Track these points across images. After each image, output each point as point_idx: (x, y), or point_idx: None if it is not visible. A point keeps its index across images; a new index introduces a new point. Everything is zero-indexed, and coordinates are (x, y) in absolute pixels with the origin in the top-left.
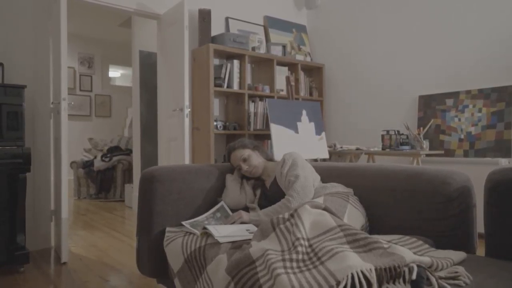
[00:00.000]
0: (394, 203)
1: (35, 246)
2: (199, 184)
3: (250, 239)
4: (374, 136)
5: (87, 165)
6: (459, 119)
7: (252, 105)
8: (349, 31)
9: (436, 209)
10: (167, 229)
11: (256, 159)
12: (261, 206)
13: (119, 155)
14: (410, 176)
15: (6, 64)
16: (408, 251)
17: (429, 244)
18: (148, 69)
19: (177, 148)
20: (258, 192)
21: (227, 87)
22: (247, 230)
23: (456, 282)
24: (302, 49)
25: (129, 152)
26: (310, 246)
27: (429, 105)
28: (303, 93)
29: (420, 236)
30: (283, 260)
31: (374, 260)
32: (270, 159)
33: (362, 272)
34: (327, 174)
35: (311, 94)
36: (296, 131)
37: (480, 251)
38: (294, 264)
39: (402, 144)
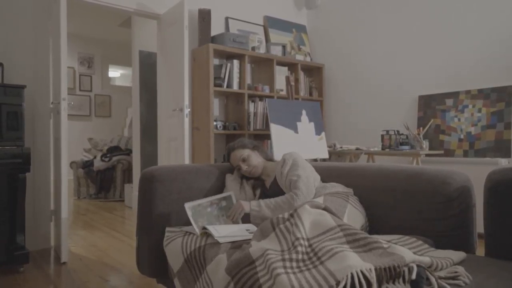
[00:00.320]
0: (394, 203)
1: (35, 246)
2: (199, 184)
3: (250, 239)
4: (374, 136)
5: (87, 165)
6: (459, 119)
7: (252, 105)
8: (349, 31)
9: (436, 209)
10: (167, 229)
11: (256, 159)
12: None
13: (119, 155)
14: (410, 176)
15: (6, 64)
16: (408, 251)
17: (429, 244)
18: (148, 69)
19: (177, 148)
20: (258, 192)
21: (227, 87)
22: (247, 230)
23: (455, 282)
24: (302, 49)
25: (129, 152)
26: (310, 246)
27: (429, 105)
28: (303, 93)
29: (419, 236)
30: (283, 260)
31: (374, 260)
32: (269, 159)
33: (362, 272)
34: (327, 174)
35: (311, 94)
36: (296, 131)
37: (480, 251)
38: (294, 264)
39: (402, 144)
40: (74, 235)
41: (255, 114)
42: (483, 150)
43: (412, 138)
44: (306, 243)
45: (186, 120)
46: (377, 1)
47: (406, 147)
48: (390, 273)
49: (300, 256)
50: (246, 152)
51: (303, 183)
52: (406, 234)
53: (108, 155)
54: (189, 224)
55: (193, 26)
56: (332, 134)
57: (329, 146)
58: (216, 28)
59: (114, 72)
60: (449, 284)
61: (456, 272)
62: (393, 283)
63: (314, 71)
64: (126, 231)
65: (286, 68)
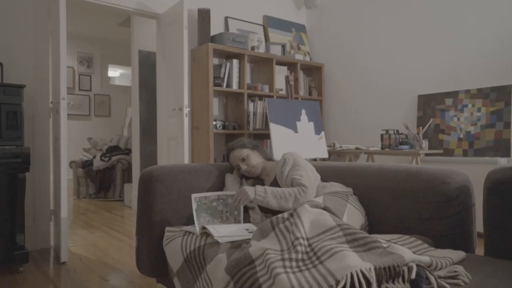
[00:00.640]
0: (393, 203)
1: (35, 245)
2: (199, 184)
3: (249, 239)
4: (373, 135)
5: (87, 164)
6: (459, 119)
7: (251, 105)
8: (349, 30)
9: (436, 209)
10: (167, 228)
11: (255, 159)
12: (261, 206)
13: (119, 155)
14: (409, 176)
15: (5, 63)
16: (407, 251)
17: (428, 243)
18: (147, 69)
19: (177, 147)
20: None
21: (227, 86)
22: (246, 229)
23: (455, 281)
24: (302, 49)
25: (128, 151)
26: (310, 245)
27: (429, 104)
28: (302, 92)
29: (419, 236)
30: (283, 259)
31: (374, 260)
32: (269, 158)
33: (361, 271)
34: (326, 174)
35: (310, 93)
36: (296, 130)
37: (479, 250)
38: (294, 264)
39: (401, 143)
40: (74, 234)
41: (254, 113)
42: (483, 150)
43: (411, 137)
44: (306, 243)
45: (186, 120)
46: (377, 1)
47: (406, 147)
48: (389, 273)
49: (299, 256)
50: (245, 152)
51: (307, 182)
52: (406, 234)
53: (107, 155)
54: (189, 223)
55: (192, 25)
56: (332, 134)
57: (328, 146)
58: (216, 28)
59: (114, 72)
60: (448, 283)
61: (455, 271)
62: (393, 282)
63: (313, 71)
64: (125, 231)
65: (285, 68)
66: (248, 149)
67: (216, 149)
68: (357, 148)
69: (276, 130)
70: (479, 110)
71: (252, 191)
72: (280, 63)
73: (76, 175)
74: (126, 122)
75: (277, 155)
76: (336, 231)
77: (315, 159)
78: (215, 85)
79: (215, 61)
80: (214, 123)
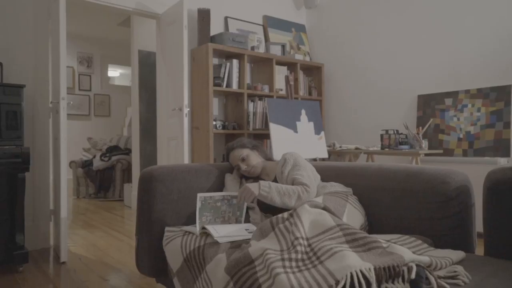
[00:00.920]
0: (393, 203)
1: (34, 245)
2: (199, 184)
3: (249, 239)
4: (373, 135)
5: (86, 164)
6: (458, 119)
7: (251, 105)
8: (349, 30)
9: (435, 209)
10: (166, 228)
11: (255, 159)
12: (260, 206)
13: (118, 155)
14: (409, 176)
15: (5, 63)
16: (407, 251)
17: (428, 243)
18: (147, 69)
19: (177, 147)
20: None
21: (226, 86)
22: (246, 229)
23: (455, 281)
24: (302, 49)
25: (128, 151)
26: (309, 245)
27: (428, 104)
28: (302, 92)
29: (419, 236)
30: (282, 259)
31: (373, 260)
32: (269, 158)
33: (361, 271)
34: (326, 174)
35: (310, 93)
36: (296, 130)
37: (479, 250)
38: (293, 264)
39: (401, 143)
40: (74, 234)
41: (254, 113)
42: (483, 150)
43: (411, 137)
44: (306, 243)
45: (186, 120)
46: (377, 1)
47: (406, 147)
48: (389, 273)
49: (299, 256)
50: (245, 152)
51: (308, 182)
52: (405, 234)
53: (107, 155)
54: (189, 223)
55: (192, 25)
56: (332, 134)
57: (328, 146)
58: (216, 28)
59: (114, 72)
60: (448, 283)
61: (455, 271)
62: (393, 282)
63: (313, 71)
64: (125, 231)
65: (285, 68)
66: (248, 149)
67: (216, 149)
68: (357, 148)
69: (276, 130)
70: (479, 110)
71: (256, 187)
72: (280, 63)
73: (76, 175)
74: (126, 122)
75: (277, 155)
76: (336, 231)
77: (315, 159)
78: (215, 85)
79: (215, 61)
80: (214, 123)
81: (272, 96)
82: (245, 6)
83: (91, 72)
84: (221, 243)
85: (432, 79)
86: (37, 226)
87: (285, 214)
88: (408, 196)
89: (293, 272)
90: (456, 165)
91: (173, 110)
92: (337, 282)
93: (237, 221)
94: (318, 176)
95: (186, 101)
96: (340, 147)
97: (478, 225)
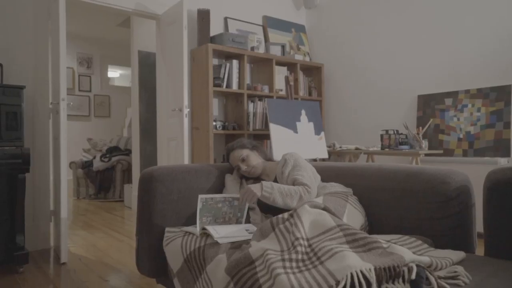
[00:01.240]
0: (393, 203)
1: (35, 246)
2: (199, 184)
3: (249, 239)
4: (373, 135)
5: (87, 165)
6: (458, 119)
7: (251, 105)
8: (348, 30)
9: (435, 209)
10: (167, 229)
11: (255, 159)
12: (261, 206)
13: (118, 155)
14: (409, 176)
15: (5, 64)
16: (407, 251)
17: (428, 243)
18: (147, 69)
19: (177, 148)
20: None
21: (226, 87)
22: (246, 230)
23: (455, 281)
24: (301, 49)
25: (128, 152)
26: (310, 246)
27: (428, 104)
28: (302, 93)
29: (419, 236)
30: (283, 260)
31: (374, 260)
32: (269, 159)
33: (361, 271)
34: (326, 174)
35: (310, 94)
36: (296, 131)
37: (480, 250)
38: (294, 264)
39: (401, 143)
40: (74, 235)
41: (254, 114)
42: (483, 150)
43: (411, 137)
44: (306, 243)
45: (186, 120)
46: (377, 1)
47: (406, 147)
48: (389, 273)
49: (299, 256)
50: (245, 152)
51: (309, 182)
52: (406, 234)
53: (107, 155)
54: (189, 223)
55: (192, 26)
56: (332, 134)
57: (328, 146)
58: (215, 28)
59: (113, 72)
60: (448, 283)
61: (455, 271)
62: (393, 283)
63: (313, 71)
64: (125, 231)
65: (285, 68)
66: (248, 150)
67: (216, 149)
68: (357, 149)
69: (276, 131)
70: (479, 110)
71: (258, 188)
72: (280, 64)
73: (76, 175)
74: (126, 123)
75: (277, 155)
76: (336, 232)
77: (315, 160)
78: (215, 85)
79: (215, 61)
80: (214, 123)
81: (272, 97)
82: (245, 7)
83: (91, 72)
84: (221, 243)
85: (432, 79)
86: (37, 226)
87: (285, 215)
88: (408, 196)
89: (294, 273)
90: (456, 165)
91: (173, 110)
92: (338, 283)
93: (238, 222)
94: (318, 177)
95: (186, 101)
96: (340, 147)
97: (479, 225)
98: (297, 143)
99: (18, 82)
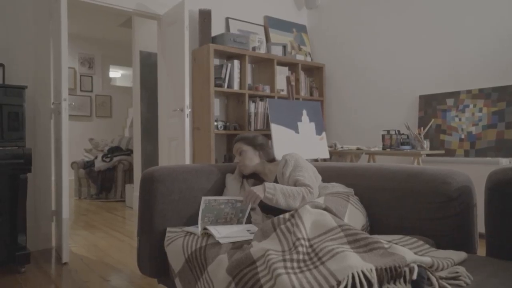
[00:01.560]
0: (394, 203)
1: (36, 246)
2: (200, 184)
3: (250, 240)
4: (374, 136)
5: (88, 165)
6: (460, 119)
7: (252, 105)
8: (350, 30)
9: (437, 209)
10: (168, 229)
11: (251, 159)
12: (261, 207)
13: (120, 155)
14: (410, 176)
15: (7, 64)
16: (408, 251)
17: (430, 244)
18: (148, 69)
19: (178, 148)
20: None
21: (228, 87)
22: (247, 230)
23: (457, 282)
24: (303, 49)
25: (129, 152)
26: (311, 246)
27: (430, 104)
28: (303, 93)
29: (420, 236)
30: (284, 260)
31: (375, 260)
32: (272, 159)
33: (362, 272)
34: (327, 174)
35: (311, 94)
36: (297, 131)
37: (481, 251)
38: (295, 264)
39: (402, 144)
40: (75, 235)
41: (255, 114)
42: (484, 150)
43: (413, 138)
44: (307, 243)
45: (187, 120)
46: (377, 1)
47: (407, 147)
48: (391, 273)
49: (301, 257)
50: (245, 148)
51: (311, 182)
52: (407, 234)
53: (109, 156)
54: (190, 223)
55: (193, 26)
56: (333, 134)
57: (329, 146)
58: (217, 28)
59: (115, 73)
60: (450, 284)
61: (457, 272)
62: (394, 283)
63: (314, 71)
64: (127, 231)
65: (286, 68)
66: (250, 147)
67: (217, 149)
68: (358, 149)
69: (277, 131)
70: (480, 110)
71: (261, 190)
72: (281, 64)
73: (78, 175)
74: (127, 123)
75: (278, 155)
76: (337, 232)
77: (316, 160)
78: (216, 85)
79: (216, 61)
80: (215, 123)
81: (273, 97)
82: (246, 7)
83: (93, 73)
84: (222, 243)
85: (433, 79)
86: (39, 226)
87: (287, 215)
88: (410, 196)
89: (295, 273)
90: (458, 165)
91: (174, 110)
92: (339, 283)
93: (239, 222)
94: (319, 177)
95: (187, 101)
96: (342, 147)
97: (480, 226)
98: (298, 143)
99: (19, 82)
